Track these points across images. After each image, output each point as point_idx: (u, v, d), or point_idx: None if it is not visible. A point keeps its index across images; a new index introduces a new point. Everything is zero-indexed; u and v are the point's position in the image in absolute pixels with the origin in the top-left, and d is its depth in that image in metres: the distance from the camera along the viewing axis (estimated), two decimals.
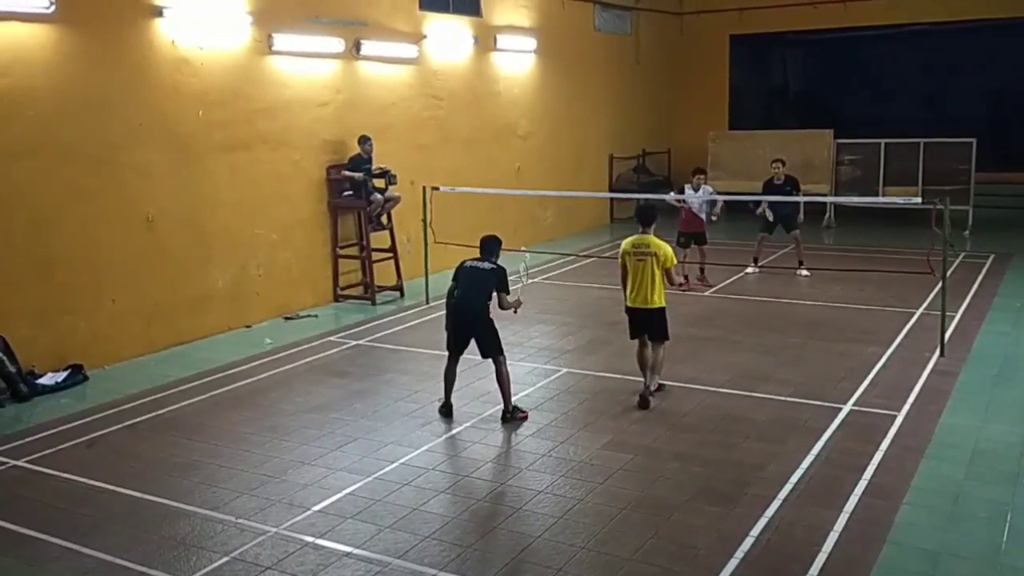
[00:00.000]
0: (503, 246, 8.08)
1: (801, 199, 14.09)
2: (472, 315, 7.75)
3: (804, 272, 13.17)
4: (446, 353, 7.95)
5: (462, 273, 7.89)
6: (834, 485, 6.32)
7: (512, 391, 7.78)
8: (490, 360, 7.80)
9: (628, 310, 8.16)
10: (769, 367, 9.13)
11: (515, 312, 8.04)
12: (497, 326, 7.79)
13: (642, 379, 8.15)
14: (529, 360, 9.50)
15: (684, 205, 12.86)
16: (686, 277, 12.88)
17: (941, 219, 9.28)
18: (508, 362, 7.80)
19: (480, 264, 7.86)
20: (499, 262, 7.90)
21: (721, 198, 13.64)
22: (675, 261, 8.15)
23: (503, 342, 7.79)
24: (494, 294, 7.75)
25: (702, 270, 13.03)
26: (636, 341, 8.19)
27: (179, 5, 10.11)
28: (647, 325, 8.07)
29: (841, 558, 5.35)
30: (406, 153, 13.46)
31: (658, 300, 8.00)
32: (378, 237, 12.75)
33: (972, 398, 8.07)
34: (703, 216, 12.93)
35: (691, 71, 22.18)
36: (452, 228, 12.34)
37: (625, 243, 8.19)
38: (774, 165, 13.46)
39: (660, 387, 8.26)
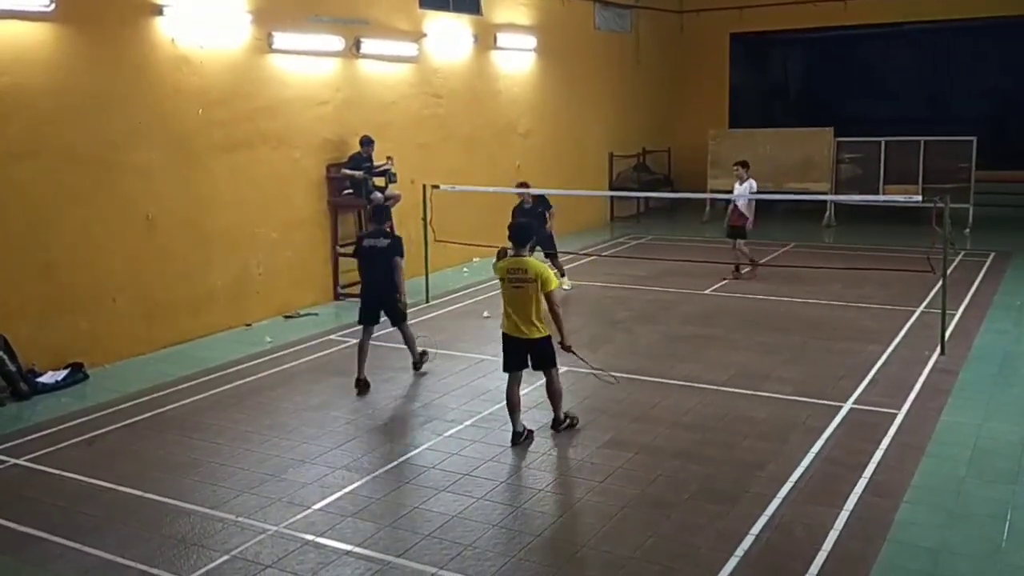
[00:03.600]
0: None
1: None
2: (381, 292, 8.77)
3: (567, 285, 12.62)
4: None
5: (364, 253, 8.83)
6: (834, 483, 6.32)
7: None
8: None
9: (504, 338, 7.17)
10: (769, 366, 9.13)
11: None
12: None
13: (511, 423, 7.21)
14: None
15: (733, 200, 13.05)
16: (753, 262, 13.12)
17: (941, 217, 9.28)
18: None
19: (377, 242, 8.68)
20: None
21: (758, 196, 13.41)
22: (556, 284, 7.09)
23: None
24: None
25: (737, 267, 13.12)
26: (518, 374, 7.18)
27: (179, 4, 10.10)
28: (530, 356, 7.11)
29: (841, 556, 5.35)
30: (406, 152, 13.45)
31: (540, 329, 7.00)
32: None
33: (972, 396, 8.07)
34: (743, 210, 12.87)
35: (691, 69, 22.18)
36: (452, 227, 12.35)
37: (499, 266, 7.12)
38: (520, 188, 12.67)
39: (569, 420, 7.41)
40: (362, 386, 8.59)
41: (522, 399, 7.25)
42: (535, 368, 7.23)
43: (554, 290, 7.01)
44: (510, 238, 7.17)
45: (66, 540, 5.80)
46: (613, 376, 7.97)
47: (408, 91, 13.78)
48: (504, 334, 7.19)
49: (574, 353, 7.40)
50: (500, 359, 7.18)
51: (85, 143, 9.42)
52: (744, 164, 13.01)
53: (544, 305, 7.02)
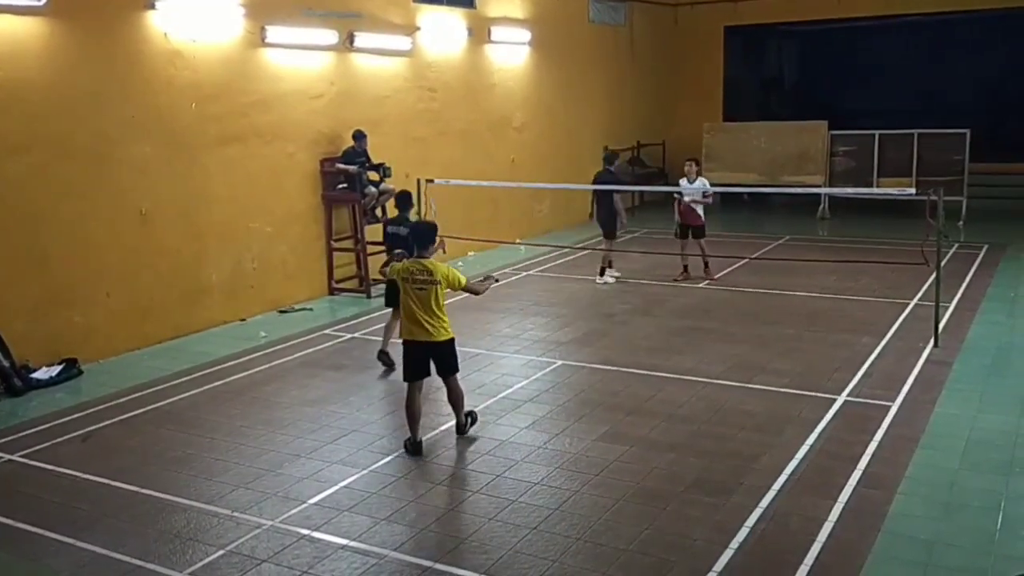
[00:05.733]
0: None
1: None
2: None
3: (611, 278, 12.96)
4: None
5: (388, 239, 9.02)
6: (829, 475, 6.34)
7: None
8: None
9: (405, 344, 6.99)
10: (764, 358, 9.14)
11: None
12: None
13: (411, 433, 7.00)
14: (524, 352, 9.50)
15: (678, 198, 12.89)
16: (685, 267, 12.97)
17: (935, 210, 9.30)
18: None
19: (399, 230, 8.77)
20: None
21: (714, 190, 13.44)
22: (463, 281, 6.99)
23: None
24: None
25: (706, 264, 12.94)
26: (419, 383, 7.02)
27: None
28: (433, 360, 6.99)
29: (835, 548, 5.37)
30: (401, 146, 13.43)
31: (445, 330, 6.92)
32: (372, 230, 12.72)
33: (966, 388, 8.10)
34: (699, 209, 12.80)
35: (686, 62, 22.17)
36: (447, 221, 12.27)
37: (398, 267, 7.00)
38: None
39: (470, 418, 7.29)
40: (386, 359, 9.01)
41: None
42: (438, 373, 7.05)
43: (469, 285, 7.07)
44: (413, 240, 7.10)
45: (61, 535, 5.79)
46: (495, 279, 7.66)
47: (402, 85, 13.75)
48: (405, 341, 7.00)
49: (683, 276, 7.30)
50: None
51: (78, 138, 9.39)
52: (698, 162, 13.03)
53: (443, 303, 6.91)
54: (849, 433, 7.12)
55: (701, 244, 12.87)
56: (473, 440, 7.19)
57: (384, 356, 9.04)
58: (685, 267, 13.01)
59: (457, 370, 7.08)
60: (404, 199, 9.14)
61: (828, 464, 6.55)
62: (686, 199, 12.70)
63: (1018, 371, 8.61)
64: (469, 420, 7.28)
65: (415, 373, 7.00)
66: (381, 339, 9.15)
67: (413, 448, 6.96)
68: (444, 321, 6.92)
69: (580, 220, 18.40)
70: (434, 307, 6.84)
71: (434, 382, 7.27)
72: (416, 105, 14.04)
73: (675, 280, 12.80)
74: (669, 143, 21.46)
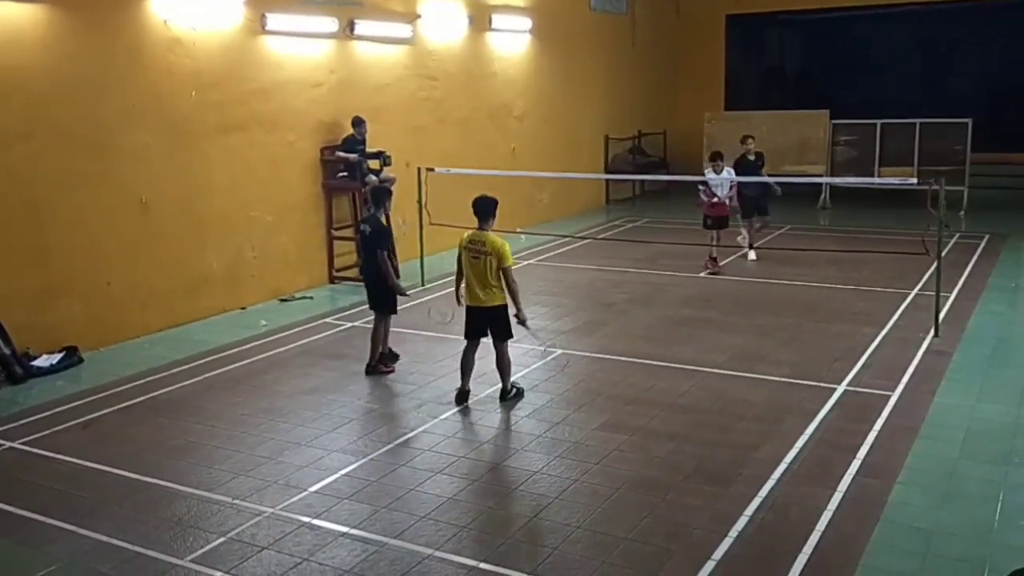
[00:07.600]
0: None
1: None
2: (368, 279, 8.82)
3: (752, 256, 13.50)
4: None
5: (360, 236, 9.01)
6: (828, 465, 6.35)
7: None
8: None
9: (467, 309, 7.66)
10: (764, 348, 9.15)
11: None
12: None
13: (460, 384, 7.72)
14: (525, 341, 9.46)
15: (704, 190, 12.85)
16: (715, 259, 12.88)
17: (936, 199, 9.28)
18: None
19: (365, 228, 8.60)
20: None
21: (739, 179, 13.32)
22: (512, 261, 7.49)
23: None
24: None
25: (715, 259, 12.86)
26: (476, 342, 7.71)
27: None
28: (487, 324, 7.57)
29: (835, 537, 5.38)
30: (401, 134, 13.40)
31: (497, 298, 7.48)
32: None
33: (966, 378, 8.10)
34: (725, 200, 12.79)
35: (687, 52, 22.11)
36: (447, 210, 12.28)
37: (462, 238, 7.59)
38: (747, 141, 13.50)
39: (516, 390, 7.80)
40: (371, 370, 8.58)
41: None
42: (492, 337, 7.62)
43: (510, 266, 7.42)
44: (474, 213, 7.58)
45: (62, 522, 5.81)
46: (543, 344, 8.19)
47: (403, 73, 13.71)
48: (467, 306, 7.64)
49: (526, 327, 7.62)
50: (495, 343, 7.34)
51: (78, 126, 9.36)
52: (721, 156, 12.98)
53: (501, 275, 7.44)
54: (849, 423, 7.13)
55: (718, 234, 12.85)
56: (473, 429, 7.22)
57: (379, 363, 8.57)
58: (714, 259, 12.90)
59: (509, 336, 7.60)
60: (376, 194, 8.77)
61: (828, 454, 6.56)
62: (718, 192, 12.67)
63: (1018, 361, 8.62)
64: (515, 391, 7.73)
65: (471, 332, 7.69)
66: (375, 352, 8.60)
67: (460, 396, 7.64)
68: (497, 289, 7.45)
69: (580, 209, 18.40)
70: (488, 276, 7.40)
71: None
72: (416, 93, 14.00)
73: (707, 272, 12.69)
74: (670, 133, 21.41)
